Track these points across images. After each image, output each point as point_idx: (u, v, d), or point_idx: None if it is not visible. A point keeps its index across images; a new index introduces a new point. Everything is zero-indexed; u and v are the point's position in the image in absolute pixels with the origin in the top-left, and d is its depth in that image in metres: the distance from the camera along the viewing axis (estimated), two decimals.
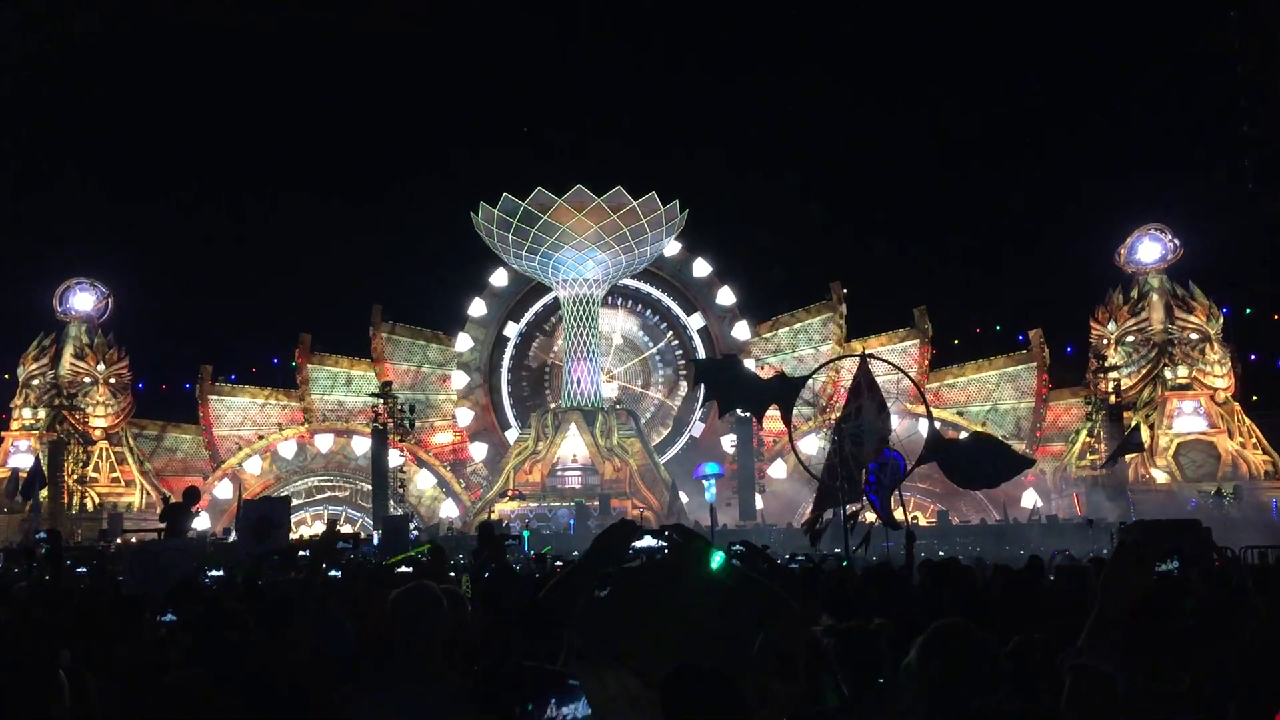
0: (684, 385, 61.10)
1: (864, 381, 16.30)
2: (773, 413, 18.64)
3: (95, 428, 52.96)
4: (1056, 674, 3.20)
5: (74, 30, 64.86)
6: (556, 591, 3.05)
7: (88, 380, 53.31)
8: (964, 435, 42.73)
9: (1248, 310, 54.77)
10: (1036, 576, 8.32)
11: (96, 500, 51.57)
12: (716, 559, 2.30)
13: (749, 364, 47.48)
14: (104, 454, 53.10)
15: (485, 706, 3.36)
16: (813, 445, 49.36)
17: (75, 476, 51.08)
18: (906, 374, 26.50)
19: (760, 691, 2.64)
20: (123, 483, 53.16)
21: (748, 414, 42.01)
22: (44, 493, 45.32)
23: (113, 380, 53.95)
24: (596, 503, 47.95)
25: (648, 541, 3.11)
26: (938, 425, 50.14)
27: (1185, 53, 57.33)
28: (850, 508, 14.77)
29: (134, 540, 29.47)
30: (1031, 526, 42.39)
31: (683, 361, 60.91)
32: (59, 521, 44.27)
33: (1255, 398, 52.06)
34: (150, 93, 72.20)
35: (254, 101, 77.89)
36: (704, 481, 50.97)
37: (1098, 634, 3.08)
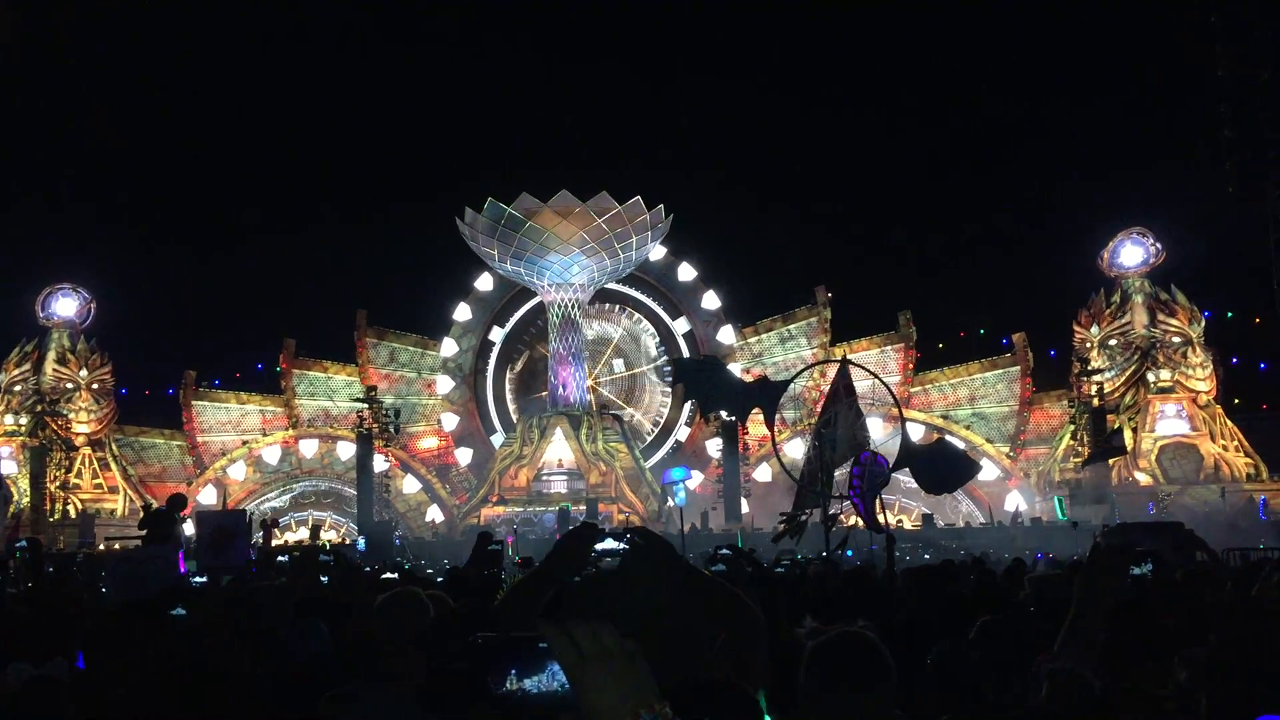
0: (670, 389, 60.96)
1: (842, 386, 16.31)
2: (757, 415, 18.65)
3: (78, 434, 52.55)
4: (1034, 677, 3.21)
5: (57, 34, 64.57)
6: (512, 597, 2.98)
7: (70, 386, 52.89)
8: (948, 438, 43.09)
9: (1229, 313, 55.26)
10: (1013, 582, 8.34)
11: (79, 507, 51.15)
12: (675, 562, 2.26)
13: (734, 368, 47.43)
14: (87, 460, 52.72)
15: (430, 705, 3.27)
16: (797, 449, 49.31)
17: (58, 483, 50.69)
18: (881, 379, 26.49)
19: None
20: (106, 489, 52.79)
21: (731, 416, 42.02)
22: (25, 500, 44.94)
23: (95, 386, 53.55)
24: (583, 507, 47.78)
25: (610, 544, 3.03)
26: (925, 429, 50.62)
27: (1167, 58, 57.77)
28: (830, 510, 14.80)
29: (117, 547, 29.30)
30: (1016, 529, 42.48)
31: (668, 366, 60.79)
32: (41, 528, 43.96)
33: (1237, 400, 52.47)
34: (134, 98, 71.88)
35: (239, 107, 77.65)
36: (671, 487, 50.45)
37: (1074, 637, 3.09)
